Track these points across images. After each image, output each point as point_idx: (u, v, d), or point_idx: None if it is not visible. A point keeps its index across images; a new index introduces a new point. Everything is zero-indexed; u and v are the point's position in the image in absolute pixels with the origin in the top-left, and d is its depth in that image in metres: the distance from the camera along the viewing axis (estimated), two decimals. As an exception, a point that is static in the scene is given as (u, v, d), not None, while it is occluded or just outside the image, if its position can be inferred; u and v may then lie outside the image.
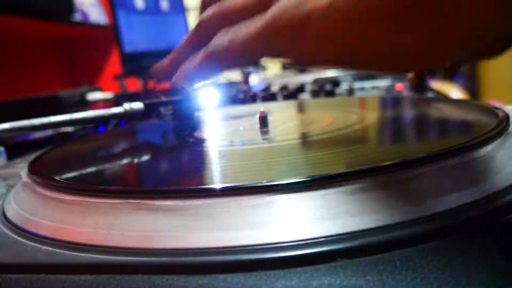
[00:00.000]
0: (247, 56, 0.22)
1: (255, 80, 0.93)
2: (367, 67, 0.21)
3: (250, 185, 0.18)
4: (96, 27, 1.47)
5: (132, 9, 1.11)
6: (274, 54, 0.21)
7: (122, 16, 1.06)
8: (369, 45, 0.19)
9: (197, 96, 0.45)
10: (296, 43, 0.20)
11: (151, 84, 0.97)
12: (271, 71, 1.28)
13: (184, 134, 0.38)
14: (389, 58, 0.19)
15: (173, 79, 0.25)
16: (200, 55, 0.23)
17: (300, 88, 0.67)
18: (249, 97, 0.63)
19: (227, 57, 0.22)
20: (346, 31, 0.18)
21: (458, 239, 0.16)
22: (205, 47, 0.23)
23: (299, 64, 0.23)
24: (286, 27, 0.20)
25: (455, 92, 0.81)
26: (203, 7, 0.25)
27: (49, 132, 0.48)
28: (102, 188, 0.21)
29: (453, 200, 0.18)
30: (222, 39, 0.22)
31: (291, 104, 0.53)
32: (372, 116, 0.36)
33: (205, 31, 0.24)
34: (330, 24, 0.18)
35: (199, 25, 0.25)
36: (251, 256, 0.16)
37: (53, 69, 1.48)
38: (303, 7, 0.19)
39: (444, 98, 0.50)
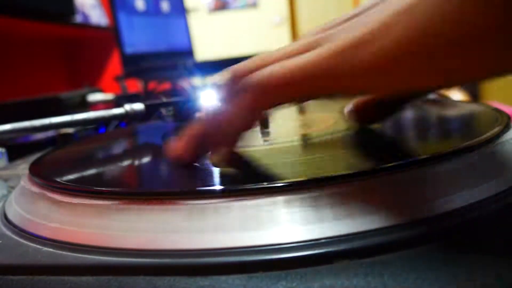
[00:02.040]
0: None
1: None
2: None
3: (251, 187, 0.18)
4: (97, 28, 1.47)
5: (132, 10, 1.11)
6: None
7: (122, 17, 1.06)
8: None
9: (198, 97, 0.45)
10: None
11: (151, 85, 0.97)
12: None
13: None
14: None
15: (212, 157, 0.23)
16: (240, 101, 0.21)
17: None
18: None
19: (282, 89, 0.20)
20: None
21: (460, 240, 0.16)
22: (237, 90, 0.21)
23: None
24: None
25: (456, 93, 0.81)
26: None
27: (50, 133, 0.48)
28: (103, 189, 0.21)
29: (456, 201, 0.18)
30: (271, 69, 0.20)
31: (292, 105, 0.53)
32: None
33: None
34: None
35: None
36: (252, 257, 0.16)
37: (54, 71, 1.48)
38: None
39: (444, 100, 0.50)
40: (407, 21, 0.16)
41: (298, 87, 0.19)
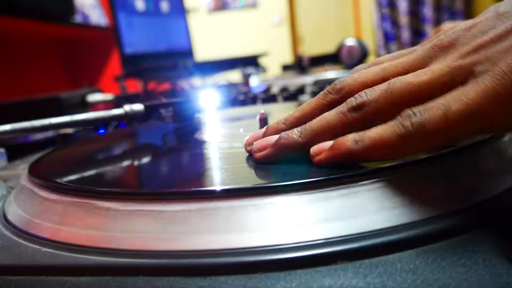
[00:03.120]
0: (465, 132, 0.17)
1: (255, 82, 0.93)
2: None
3: (251, 187, 0.18)
4: (97, 28, 1.47)
5: (132, 10, 1.11)
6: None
7: (122, 17, 1.06)
8: None
9: (198, 98, 0.45)
10: None
11: (151, 85, 0.97)
12: (271, 73, 1.28)
13: (185, 136, 0.38)
14: None
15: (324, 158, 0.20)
16: (386, 133, 0.18)
17: (300, 90, 0.67)
18: (249, 99, 0.63)
19: (438, 136, 0.17)
20: None
21: (458, 242, 0.16)
22: (389, 123, 0.18)
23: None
24: None
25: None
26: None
27: (49, 133, 0.48)
28: (102, 190, 0.21)
29: (454, 202, 0.18)
30: (427, 112, 0.17)
31: (291, 106, 0.53)
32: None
33: (367, 115, 0.20)
34: None
35: (360, 107, 0.20)
36: (251, 258, 0.16)
37: (54, 71, 1.48)
38: None
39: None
40: None
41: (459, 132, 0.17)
